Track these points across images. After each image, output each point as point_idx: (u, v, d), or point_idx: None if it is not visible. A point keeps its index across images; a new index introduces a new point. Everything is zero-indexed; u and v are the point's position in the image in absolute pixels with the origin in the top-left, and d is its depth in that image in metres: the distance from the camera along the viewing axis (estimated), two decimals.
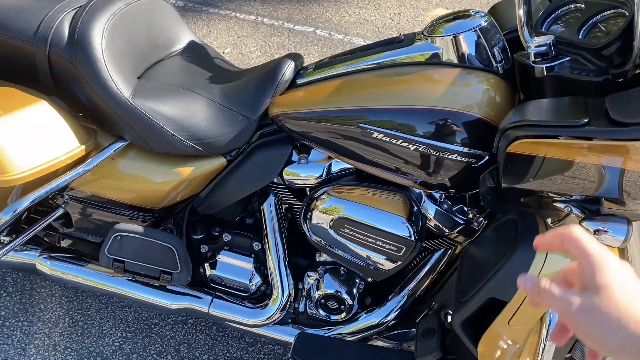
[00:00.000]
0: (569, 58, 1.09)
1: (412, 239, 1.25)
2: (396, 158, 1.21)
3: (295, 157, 1.37)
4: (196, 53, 1.54)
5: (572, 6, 1.20)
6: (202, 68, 1.47)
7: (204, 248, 1.55)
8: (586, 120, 0.91)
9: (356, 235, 1.30)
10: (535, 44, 1.08)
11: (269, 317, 1.50)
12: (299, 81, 1.35)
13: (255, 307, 1.51)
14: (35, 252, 1.56)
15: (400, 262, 1.30)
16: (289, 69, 1.34)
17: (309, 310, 1.53)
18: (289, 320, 1.55)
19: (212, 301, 1.52)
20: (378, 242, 1.28)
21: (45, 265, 1.54)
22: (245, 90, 1.36)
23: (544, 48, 1.09)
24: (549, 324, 1.14)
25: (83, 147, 1.29)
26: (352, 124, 1.21)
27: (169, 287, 1.52)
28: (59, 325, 1.79)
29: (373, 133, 1.19)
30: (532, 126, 0.97)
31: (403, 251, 1.27)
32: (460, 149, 1.14)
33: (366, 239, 1.29)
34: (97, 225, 1.51)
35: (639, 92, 0.94)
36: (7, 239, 1.48)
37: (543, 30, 1.16)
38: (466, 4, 3.76)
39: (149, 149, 1.34)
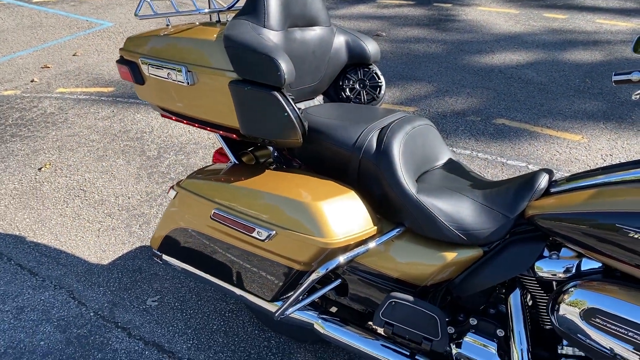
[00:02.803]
0: None
1: None
2: None
3: (546, 252, 1.61)
4: (455, 166, 1.92)
5: None
6: (462, 177, 1.84)
7: (451, 329, 1.79)
8: None
9: (607, 326, 1.45)
10: None
11: None
12: (553, 190, 1.63)
13: None
14: (314, 314, 1.94)
15: None
16: (544, 179, 1.64)
17: None
18: None
19: None
20: (630, 334, 1.41)
21: (320, 326, 1.91)
22: (504, 194, 1.68)
23: None
24: None
25: (375, 227, 1.69)
26: (607, 225, 1.43)
27: (418, 357, 1.77)
28: None
29: (629, 233, 1.39)
30: None
31: None
32: None
33: (618, 330, 1.44)
34: (366, 295, 1.86)
35: None
36: (301, 297, 1.90)
37: None
38: None
39: (423, 234, 1.70)
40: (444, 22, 6.79)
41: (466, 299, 1.79)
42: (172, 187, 1.97)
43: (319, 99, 2.17)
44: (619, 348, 1.45)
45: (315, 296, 1.88)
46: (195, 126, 1.96)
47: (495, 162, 3.69)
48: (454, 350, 1.77)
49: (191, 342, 2.30)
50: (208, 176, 1.89)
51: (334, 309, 2.11)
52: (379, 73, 2.18)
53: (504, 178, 3.50)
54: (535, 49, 5.83)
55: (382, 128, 1.80)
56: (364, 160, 1.74)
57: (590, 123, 4.19)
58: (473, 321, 1.76)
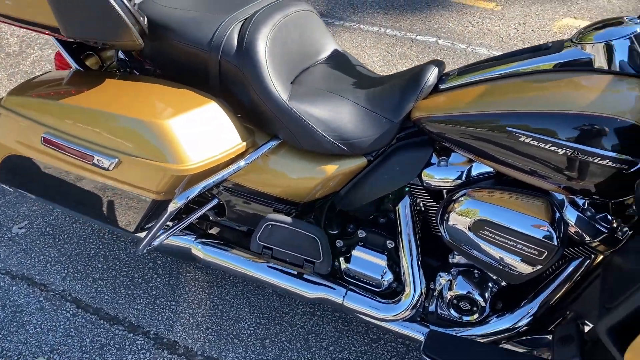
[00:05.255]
0: None
1: (555, 243, 1.26)
2: (542, 162, 1.23)
3: (435, 159, 1.43)
4: (340, 61, 1.65)
5: None
6: (346, 75, 1.58)
7: (339, 243, 1.65)
8: None
9: (496, 237, 1.33)
10: None
11: (399, 314, 1.56)
12: (442, 86, 1.41)
13: (387, 302, 1.58)
14: (190, 238, 1.74)
15: (540, 267, 1.31)
16: (432, 74, 1.41)
17: (439, 311, 1.58)
18: (418, 319, 1.60)
19: (346, 293, 1.61)
20: (519, 246, 1.30)
21: (199, 250, 1.72)
22: (389, 95, 1.45)
23: None
24: None
25: (244, 143, 1.44)
26: (498, 128, 1.25)
27: (307, 277, 1.63)
28: (201, 307, 1.97)
29: (520, 137, 1.22)
30: None
31: (545, 256, 1.28)
32: (611, 154, 1.14)
33: (506, 241, 1.32)
34: (246, 215, 1.66)
35: None
36: (170, 224, 1.67)
37: None
38: (595, 14, 3.62)
39: (299, 147, 1.47)
40: None
41: (354, 210, 1.63)
42: None
43: None
44: (510, 260, 1.35)
45: (187, 221, 1.65)
46: (29, 29, 1.55)
47: (404, 39, 3.42)
48: (343, 265, 1.63)
49: (66, 271, 2.07)
50: (36, 90, 1.53)
51: (215, 231, 1.90)
52: None
53: (411, 57, 3.26)
54: None
55: (245, 19, 1.47)
56: (224, 62, 1.43)
57: None
58: (361, 234, 1.61)
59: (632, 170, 1.15)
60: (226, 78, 1.46)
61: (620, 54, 1.19)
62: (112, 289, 2.01)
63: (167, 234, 1.63)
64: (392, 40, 3.41)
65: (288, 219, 1.53)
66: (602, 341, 1.25)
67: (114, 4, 1.29)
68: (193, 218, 1.66)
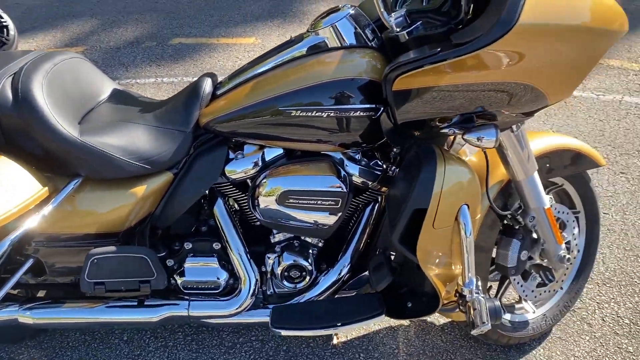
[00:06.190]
0: (420, 22, 1.43)
1: (344, 190, 1.52)
2: (315, 129, 1.48)
3: (232, 155, 1.61)
4: (123, 96, 1.76)
5: None
6: (132, 105, 1.69)
7: (170, 262, 1.72)
8: (439, 49, 1.24)
9: (300, 202, 1.55)
10: (393, 17, 1.40)
11: (242, 304, 1.68)
12: (219, 92, 1.60)
13: (229, 298, 1.69)
14: (14, 308, 1.65)
15: (340, 214, 1.55)
16: (207, 84, 1.60)
17: (276, 290, 1.74)
18: (261, 305, 1.74)
19: (189, 304, 1.68)
20: (318, 202, 1.53)
21: (27, 317, 1.64)
22: (174, 111, 1.60)
23: (401, 19, 1.41)
24: (464, 224, 1.44)
25: (43, 190, 1.45)
26: (272, 111, 1.48)
27: (148, 302, 1.67)
28: None
29: (292, 112, 1.46)
30: (403, 64, 1.29)
31: (340, 203, 1.53)
32: (360, 106, 1.44)
33: (308, 202, 1.54)
34: (69, 264, 1.64)
35: (469, 27, 1.29)
36: None
37: (397, 8, 1.50)
38: None
39: (104, 177, 1.53)
40: None
41: (177, 226, 1.72)
42: None
43: None
44: (316, 217, 1.57)
45: (3, 291, 1.58)
46: None
47: (183, 83, 3.60)
48: (179, 281, 1.71)
49: None
50: None
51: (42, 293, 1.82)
52: (1, 12, 1.81)
53: None
54: None
55: (15, 73, 1.50)
56: (2, 117, 1.44)
57: (260, 24, 4.38)
58: (188, 245, 1.70)
59: (379, 115, 1.46)
60: (9, 132, 1.46)
61: (345, 32, 1.51)
62: None
63: None
64: (172, 87, 3.57)
65: (112, 248, 1.56)
66: (403, 255, 1.53)
67: None
68: (8, 287, 1.59)
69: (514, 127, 1.55)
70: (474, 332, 1.46)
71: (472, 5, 1.35)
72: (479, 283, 1.49)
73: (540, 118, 3.25)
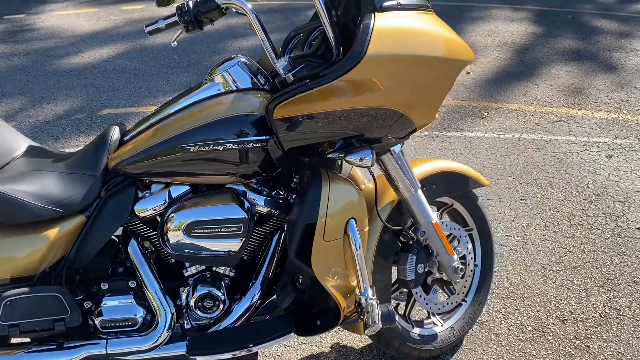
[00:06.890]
0: (302, 65, 1.64)
1: (246, 216, 1.66)
2: (215, 162, 1.63)
3: (140, 194, 1.73)
4: (37, 151, 1.86)
5: (296, 38, 1.81)
6: (45, 157, 1.80)
7: (88, 304, 1.77)
8: (307, 81, 1.45)
9: (205, 231, 1.67)
10: (280, 63, 1.61)
11: (159, 337, 1.74)
12: (126, 138, 1.74)
13: (146, 333, 1.76)
14: None
15: (243, 239, 1.68)
16: (115, 131, 1.74)
17: (193, 323, 1.81)
18: (179, 338, 1.81)
19: (107, 342, 1.73)
20: (222, 229, 1.66)
21: None
22: (83, 157, 1.72)
23: (286, 63, 1.62)
24: (353, 236, 1.60)
25: None
26: (174, 149, 1.62)
27: (66, 345, 1.71)
28: None
29: (191, 148, 1.61)
30: (280, 95, 1.48)
31: (242, 229, 1.66)
32: (254, 138, 1.61)
33: (213, 231, 1.66)
34: None
35: (337, 63, 1.50)
36: None
37: (284, 56, 1.71)
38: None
39: (16, 222, 1.61)
40: (21, 33, 6.31)
41: (93, 268, 1.79)
42: None
43: None
44: (222, 244, 1.69)
45: None
46: None
47: None
48: (97, 321, 1.76)
49: None
50: None
51: None
52: None
53: None
54: (122, 40, 5.98)
55: None
56: None
57: None
58: (104, 285, 1.77)
59: (267, 144, 1.63)
60: None
61: (238, 77, 1.70)
62: None
63: None
64: None
65: (25, 289, 1.62)
66: (310, 277, 1.66)
67: None
68: None
69: (394, 149, 1.75)
70: (367, 332, 1.59)
71: (341, 48, 1.58)
72: (374, 291, 1.64)
73: (446, 156, 3.53)
